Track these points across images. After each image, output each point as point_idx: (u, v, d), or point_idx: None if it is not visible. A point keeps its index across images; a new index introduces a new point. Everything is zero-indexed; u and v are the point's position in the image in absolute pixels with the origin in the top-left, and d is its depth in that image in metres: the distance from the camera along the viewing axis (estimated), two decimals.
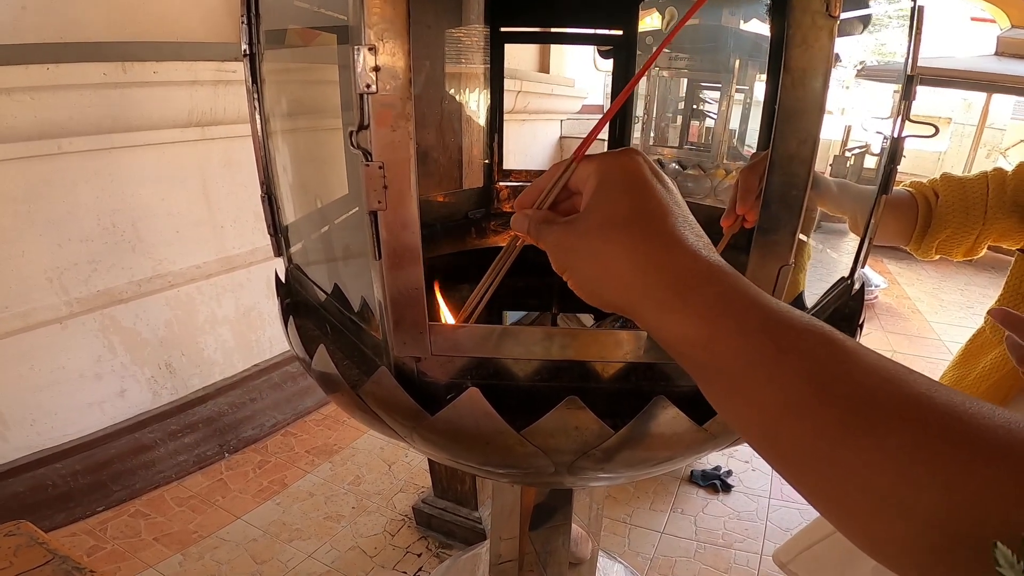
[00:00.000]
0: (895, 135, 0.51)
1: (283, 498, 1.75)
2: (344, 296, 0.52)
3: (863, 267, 0.56)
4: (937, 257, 0.90)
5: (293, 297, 0.59)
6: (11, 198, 1.43)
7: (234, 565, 1.50)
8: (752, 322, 0.28)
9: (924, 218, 0.86)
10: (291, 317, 0.50)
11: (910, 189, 0.89)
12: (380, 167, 0.37)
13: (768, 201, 0.37)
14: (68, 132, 1.48)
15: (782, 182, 0.37)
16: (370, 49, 0.36)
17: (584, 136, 0.39)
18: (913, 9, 0.49)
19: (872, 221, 0.54)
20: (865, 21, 0.71)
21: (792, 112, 0.35)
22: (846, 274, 0.60)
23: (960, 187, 0.84)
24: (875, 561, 0.77)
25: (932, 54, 4.15)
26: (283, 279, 0.60)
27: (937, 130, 0.48)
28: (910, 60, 0.49)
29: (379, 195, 0.37)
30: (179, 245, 1.80)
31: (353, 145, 0.38)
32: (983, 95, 4.80)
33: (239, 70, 1.68)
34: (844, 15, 0.59)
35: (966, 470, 0.23)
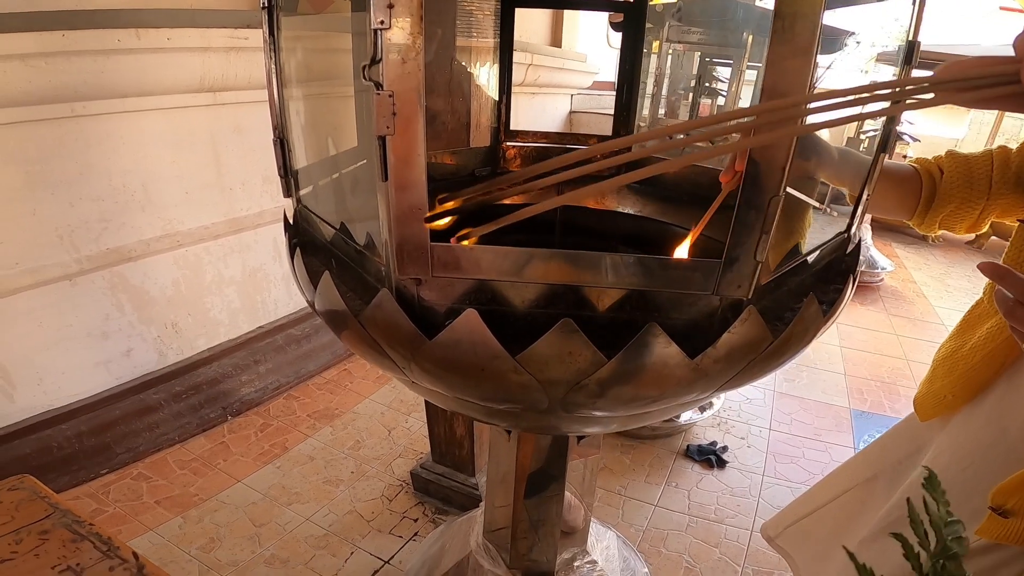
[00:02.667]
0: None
1: (283, 462, 1.78)
2: (350, 231, 0.54)
3: (860, 223, 0.57)
4: (939, 232, 0.90)
5: (300, 237, 0.61)
6: (25, 159, 1.45)
7: (233, 528, 1.53)
8: None
9: (928, 192, 0.86)
10: (298, 250, 0.52)
11: (915, 164, 0.89)
12: (390, 96, 0.39)
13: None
14: (82, 96, 1.49)
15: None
16: None
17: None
18: None
19: (872, 177, 0.55)
20: None
21: (782, 56, 0.36)
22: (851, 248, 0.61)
23: (965, 163, 0.85)
24: (860, 536, 0.78)
25: (958, 41, 4.08)
26: (291, 220, 0.62)
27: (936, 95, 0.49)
28: (912, 26, 0.50)
29: (388, 121, 0.38)
30: (188, 206, 1.82)
31: (365, 77, 0.40)
32: None
33: (251, 37, 1.69)
34: None
35: None
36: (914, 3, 0.53)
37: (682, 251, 0.60)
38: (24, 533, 0.63)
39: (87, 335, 1.67)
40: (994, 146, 0.82)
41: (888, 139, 0.54)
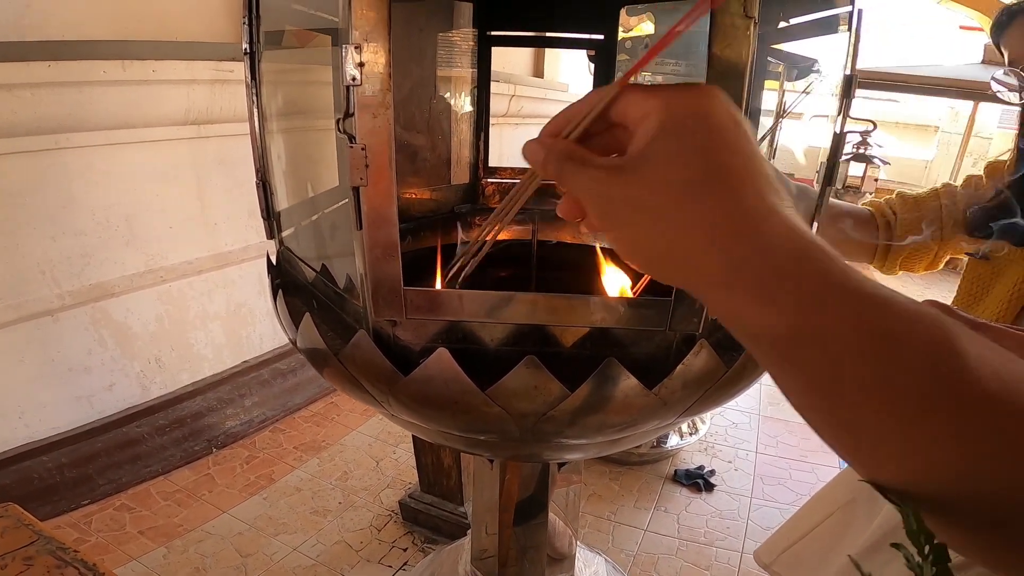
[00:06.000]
0: (837, 131, 0.56)
1: (270, 493, 1.76)
2: (330, 273, 0.56)
3: None
4: (900, 273, 0.95)
5: (283, 278, 0.63)
6: (8, 192, 1.46)
7: (219, 558, 1.51)
8: (848, 319, 0.24)
9: (885, 237, 0.91)
10: (280, 292, 0.54)
11: (870, 208, 0.94)
12: (363, 149, 0.42)
13: None
14: (67, 128, 1.51)
15: None
16: (356, 47, 0.41)
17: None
18: (851, 13, 0.54)
19: (820, 207, 0.59)
20: (827, 24, 0.74)
21: None
22: None
23: (915, 205, 0.89)
24: (853, 552, 0.79)
25: (920, 62, 4.20)
26: (274, 261, 0.64)
27: (875, 125, 0.53)
28: (849, 61, 0.54)
29: (361, 172, 0.41)
30: (172, 241, 1.82)
31: (339, 130, 0.43)
32: (970, 104, 4.80)
33: (236, 70, 1.72)
34: (790, 21, 0.64)
35: None
36: (849, 39, 0.56)
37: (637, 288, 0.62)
38: (8, 559, 0.63)
39: (69, 370, 1.66)
40: (962, 168, 0.86)
41: (833, 171, 0.58)
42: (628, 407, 0.45)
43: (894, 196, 0.92)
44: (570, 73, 4.09)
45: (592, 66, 1.03)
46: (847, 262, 0.25)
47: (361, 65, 0.40)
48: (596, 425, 0.48)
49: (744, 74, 0.38)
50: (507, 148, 1.04)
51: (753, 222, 0.25)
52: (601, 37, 0.95)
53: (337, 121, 0.42)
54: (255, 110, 0.61)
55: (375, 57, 0.41)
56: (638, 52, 1.66)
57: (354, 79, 0.40)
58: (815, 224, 0.59)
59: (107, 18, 1.61)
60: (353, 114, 0.41)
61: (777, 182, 0.27)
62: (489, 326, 0.46)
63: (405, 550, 1.57)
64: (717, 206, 0.26)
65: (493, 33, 0.98)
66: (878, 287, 0.24)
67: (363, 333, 0.44)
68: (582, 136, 0.31)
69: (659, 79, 1.87)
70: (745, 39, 0.37)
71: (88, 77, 1.46)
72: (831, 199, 0.75)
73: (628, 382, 0.43)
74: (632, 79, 0.31)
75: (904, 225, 0.88)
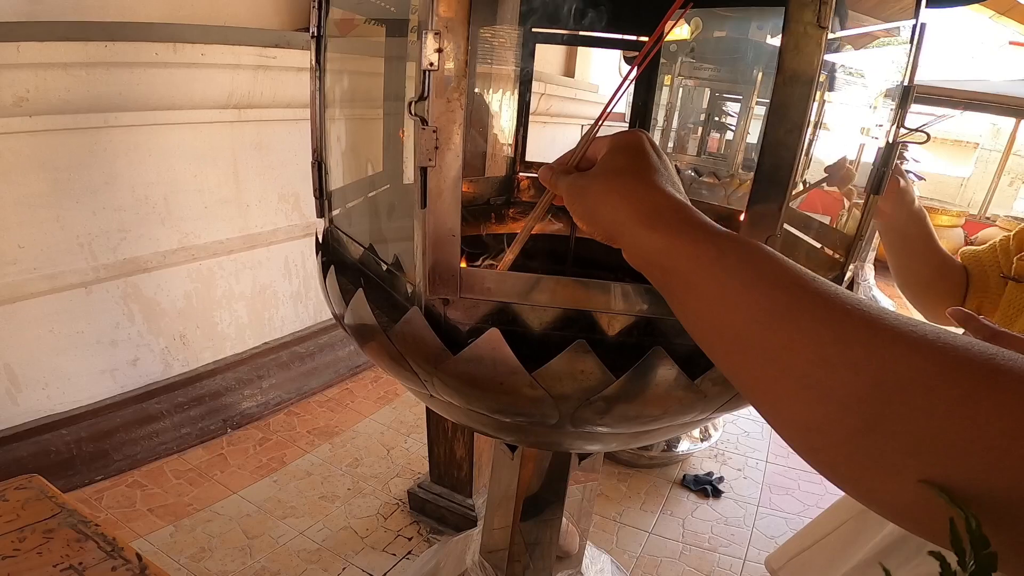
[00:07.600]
0: (889, 140, 0.57)
1: (280, 476, 1.79)
2: (376, 251, 0.58)
3: (855, 262, 0.62)
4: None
5: (330, 256, 0.65)
6: (55, 166, 1.50)
7: (225, 539, 1.53)
8: (701, 236, 0.37)
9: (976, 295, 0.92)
10: (331, 269, 0.56)
11: (958, 259, 0.95)
12: (434, 131, 0.43)
13: (759, 179, 0.43)
14: (116, 107, 1.54)
15: (771, 164, 0.43)
16: (436, 34, 0.42)
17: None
18: (914, 27, 0.54)
19: (866, 215, 0.60)
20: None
21: (782, 106, 0.42)
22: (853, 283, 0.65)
23: (976, 261, 0.91)
24: (852, 563, 0.80)
25: (968, 77, 4.11)
26: (321, 239, 0.66)
27: (929, 137, 0.54)
28: (908, 73, 0.55)
29: (430, 154, 0.43)
30: (205, 220, 1.86)
31: (411, 113, 0.45)
32: (1012, 121, 4.69)
33: (279, 56, 1.75)
34: (851, 32, 0.65)
35: (869, 348, 0.27)
36: (911, 50, 0.57)
37: None
38: (28, 531, 0.63)
39: (96, 342, 1.69)
40: (998, 187, 0.87)
41: (881, 181, 0.58)
42: (667, 398, 0.46)
43: (960, 253, 0.94)
44: (601, 74, 4.08)
45: (624, 68, 1.04)
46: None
47: (440, 51, 0.42)
48: (634, 414, 0.49)
49: (812, 81, 0.40)
50: (534, 146, 1.06)
51: (649, 191, 0.40)
52: (647, 39, 0.96)
53: (409, 103, 0.43)
54: (317, 92, 0.63)
55: (454, 44, 0.43)
56: (679, 55, 1.66)
57: (432, 64, 0.42)
58: (860, 231, 0.59)
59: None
60: (427, 97, 0.43)
61: (670, 177, 0.42)
62: (537, 310, 0.48)
63: (410, 539, 1.59)
64: (630, 183, 0.41)
65: (537, 30, 0.99)
66: (721, 227, 0.38)
67: (416, 310, 0.46)
68: (576, 167, 0.47)
69: (690, 83, 1.88)
70: (816, 48, 0.39)
71: (141, 58, 1.49)
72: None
73: (672, 372, 0.45)
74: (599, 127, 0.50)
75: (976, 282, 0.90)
